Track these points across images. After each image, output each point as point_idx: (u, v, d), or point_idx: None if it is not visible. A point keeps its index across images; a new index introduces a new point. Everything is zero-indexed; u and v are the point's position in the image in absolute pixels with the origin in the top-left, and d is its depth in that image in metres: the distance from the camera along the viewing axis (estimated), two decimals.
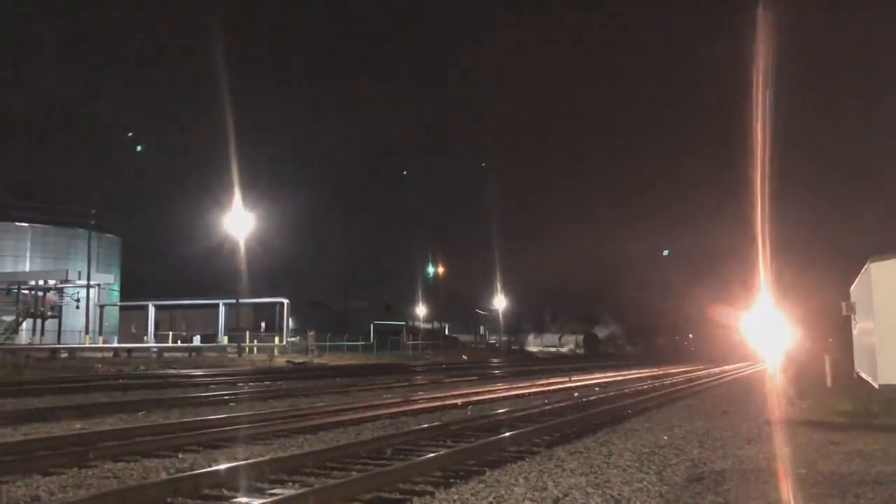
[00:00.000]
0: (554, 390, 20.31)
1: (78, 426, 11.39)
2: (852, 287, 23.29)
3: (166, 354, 42.98)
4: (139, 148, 71.99)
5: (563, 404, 15.51)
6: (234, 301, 48.31)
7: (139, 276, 73.33)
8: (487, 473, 7.78)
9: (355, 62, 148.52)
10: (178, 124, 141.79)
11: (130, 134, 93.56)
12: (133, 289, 69.50)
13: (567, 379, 25.34)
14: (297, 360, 39.08)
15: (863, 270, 18.80)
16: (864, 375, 21.30)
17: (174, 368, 30.40)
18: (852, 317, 23.07)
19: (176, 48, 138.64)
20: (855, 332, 23.55)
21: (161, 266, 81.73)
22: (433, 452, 8.80)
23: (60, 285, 53.59)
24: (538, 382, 23.35)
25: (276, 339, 49.91)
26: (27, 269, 60.80)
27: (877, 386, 17.06)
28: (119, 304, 67.12)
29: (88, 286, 54.46)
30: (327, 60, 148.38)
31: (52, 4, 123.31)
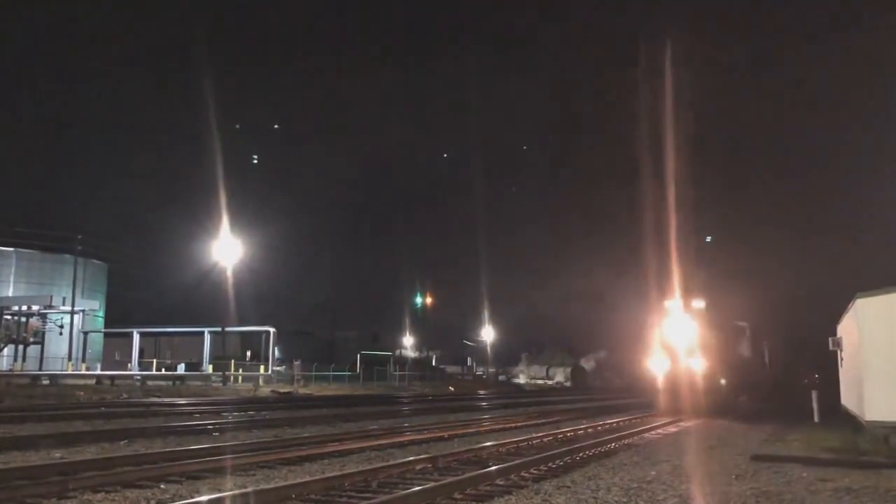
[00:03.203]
0: (541, 423, 20.17)
1: (58, 455, 11.20)
2: (840, 323, 23.39)
3: (150, 382, 42.40)
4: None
5: (550, 437, 15.42)
6: (219, 329, 47.91)
7: (125, 302, 72.69)
8: None
9: (347, 91, 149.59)
10: (167, 151, 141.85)
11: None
12: (118, 315, 68.87)
13: (554, 411, 25.19)
14: (282, 390, 38.66)
15: (850, 306, 18.89)
16: (851, 410, 21.30)
17: (157, 397, 29.99)
18: (839, 352, 23.14)
19: (165, 73, 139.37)
20: (841, 367, 23.61)
21: (147, 293, 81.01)
22: (419, 486, 8.69)
23: (44, 311, 53.04)
24: (525, 414, 23.19)
25: (262, 369, 49.42)
26: (10, 294, 60.20)
27: (864, 422, 17.04)
28: (103, 330, 66.42)
29: (73, 312, 53.91)
30: (319, 89, 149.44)
31: (45, 34, 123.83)
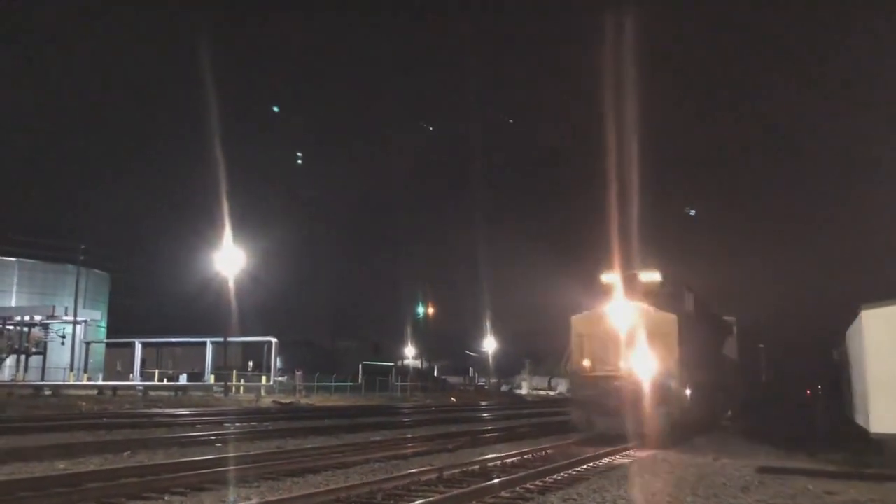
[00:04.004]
0: (545, 434, 20.08)
1: (61, 466, 11.18)
2: (845, 333, 23.35)
3: (152, 393, 42.38)
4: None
5: (554, 450, 15.35)
6: (221, 339, 47.87)
7: (127, 312, 72.69)
8: None
9: (348, 102, 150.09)
10: (169, 160, 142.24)
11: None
12: (121, 325, 68.87)
13: (557, 423, 25.05)
14: (284, 401, 38.55)
15: (855, 317, 18.85)
16: (856, 422, 21.22)
17: (160, 407, 29.92)
18: (843, 363, 23.09)
19: (166, 82, 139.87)
20: (846, 378, 23.54)
21: (149, 303, 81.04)
22: (424, 498, 8.66)
23: (46, 321, 53.07)
24: (529, 425, 23.09)
25: (264, 379, 49.34)
26: (13, 304, 60.24)
27: (870, 434, 16.98)
28: (105, 340, 66.39)
29: (75, 322, 53.93)
30: (319, 100, 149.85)
31: (45, 36, 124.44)
